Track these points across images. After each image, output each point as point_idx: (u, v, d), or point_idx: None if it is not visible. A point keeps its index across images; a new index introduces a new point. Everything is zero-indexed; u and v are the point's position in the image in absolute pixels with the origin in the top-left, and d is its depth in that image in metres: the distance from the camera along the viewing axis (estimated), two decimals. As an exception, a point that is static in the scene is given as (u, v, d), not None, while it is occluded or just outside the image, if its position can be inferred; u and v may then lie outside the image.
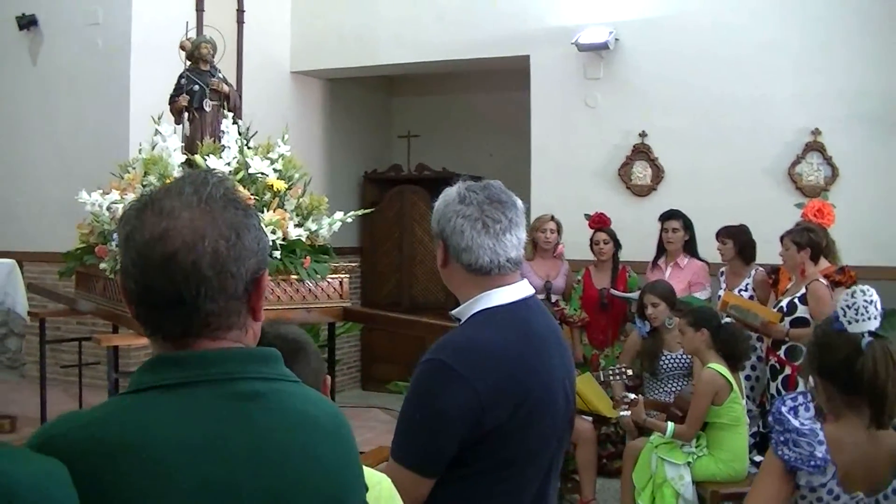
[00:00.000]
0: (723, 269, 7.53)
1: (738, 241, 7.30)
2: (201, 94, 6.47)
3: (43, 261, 8.85)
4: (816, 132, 8.22)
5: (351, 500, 1.62)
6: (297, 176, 6.26)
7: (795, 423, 2.62)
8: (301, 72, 10.66)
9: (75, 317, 8.11)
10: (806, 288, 6.40)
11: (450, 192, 2.56)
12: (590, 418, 6.56)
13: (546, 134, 9.27)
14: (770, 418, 2.78)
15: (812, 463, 2.57)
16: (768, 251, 7.09)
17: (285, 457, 1.49)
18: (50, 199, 8.89)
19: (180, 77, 6.57)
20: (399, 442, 2.44)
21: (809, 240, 6.46)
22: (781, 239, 6.62)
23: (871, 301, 2.35)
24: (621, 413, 6.36)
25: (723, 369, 5.62)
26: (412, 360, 2.45)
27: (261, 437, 1.47)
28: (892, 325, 2.57)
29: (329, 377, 2.48)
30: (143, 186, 5.94)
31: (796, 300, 6.45)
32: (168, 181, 2.04)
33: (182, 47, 6.70)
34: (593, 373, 6.82)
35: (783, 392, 6.36)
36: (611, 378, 6.71)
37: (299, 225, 6.01)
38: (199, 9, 6.83)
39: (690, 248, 7.74)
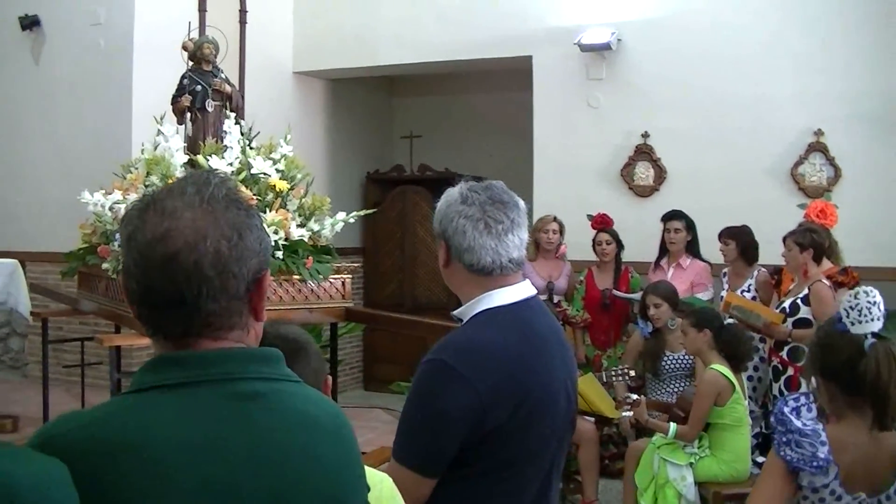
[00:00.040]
0: (725, 269, 7.52)
1: (741, 241, 7.29)
2: (203, 95, 6.47)
3: (45, 261, 8.86)
4: (819, 133, 8.21)
5: (352, 501, 1.61)
6: (299, 176, 6.26)
7: (798, 423, 2.61)
8: (303, 72, 10.66)
9: (78, 317, 8.12)
10: (808, 289, 6.39)
11: (452, 193, 2.57)
12: (592, 419, 6.56)
13: (548, 134, 9.27)
14: (772, 419, 2.78)
15: (814, 463, 2.57)
16: (771, 252, 7.08)
17: (286, 457, 1.49)
18: (52, 200, 8.90)
19: (182, 77, 6.57)
20: (400, 442, 2.44)
21: (812, 240, 6.45)
22: (784, 240, 6.61)
23: (875, 302, 2.35)
24: (623, 414, 6.36)
25: (725, 370, 5.62)
26: (414, 360, 2.45)
27: (261, 438, 1.47)
28: (895, 326, 2.56)
29: (330, 377, 2.47)
30: (146, 187, 5.94)
31: (799, 301, 6.44)
32: (170, 181, 2.04)
33: (184, 48, 6.69)
34: (595, 373, 6.81)
35: (785, 393, 6.35)
36: (613, 379, 6.70)
37: (301, 225, 6.01)
38: (202, 9, 6.83)
39: (693, 248, 7.74)
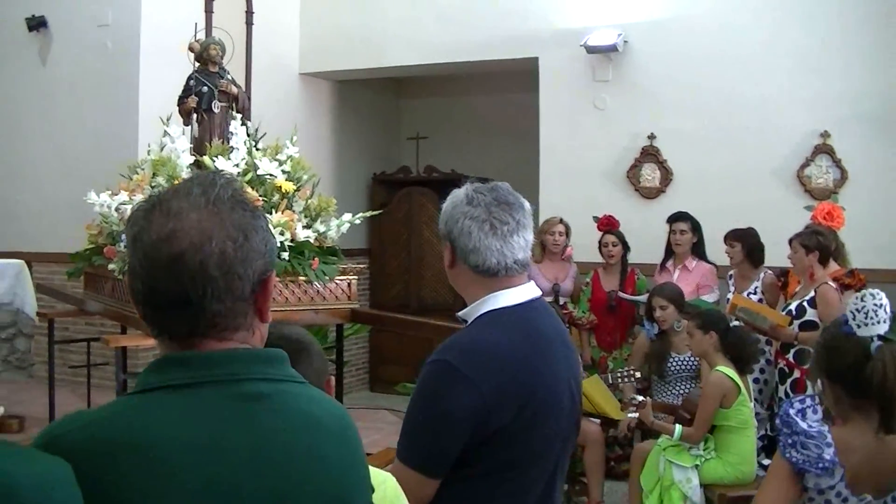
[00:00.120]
0: (731, 272, 7.51)
1: (747, 244, 7.28)
2: (210, 96, 6.47)
3: (52, 261, 8.88)
4: (825, 134, 8.20)
5: (356, 502, 1.61)
6: (305, 177, 6.26)
7: (803, 425, 2.61)
8: (309, 73, 10.67)
9: (84, 317, 8.14)
10: (815, 291, 6.38)
11: (457, 194, 2.57)
12: (598, 420, 6.56)
13: (554, 136, 9.26)
14: (778, 421, 2.77)
15: (820, 465, 2.57)
16: (777, 254, 7.07)
17: (289, 458, 1.49)
18: (59, 200, 8.91)
19: (189, 78, 6.58)
20: (404, 442, 2.44)
21: (818, 243, 6.44)
22: (790, 242, 6.60)
23: (881, 305, 2.34)
24: (628, 415, 6.35)
25: (731, 372, 5.61)
26: (420, 361, 2.46)
27: (265, 438, 1.47)
28: (901, 328, 2.55)
29: (333, 378, 2.47)
30: (152, 188, 5.96)
31: (805, 303, 6.43)
32: (176, 182, 2.04)
33: (191, 49, 6.70)
34: (601, 375, 6.81)
35: (792, 395, 6.34)
36: (619, 380, 6.69)
37: (307, 226, 6.01)
38: (208, 10, 6.84)
39: (698, 250, 7.73)
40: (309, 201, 6.17)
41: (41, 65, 9.52)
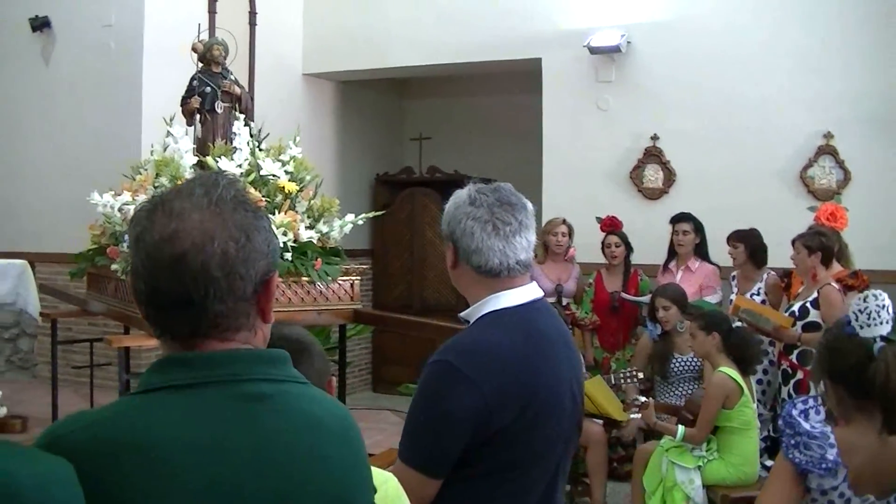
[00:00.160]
0: (734, 273, 7.51)
1: (749, 244, 7.27)
2: (213, 96, 6.48)
3: (55, 262, 8.88)
4: (829, 135, 8.19)
5: (358, 502, 1.62)
6: (308, 178, 6.27)
7: (806, 426, 2.61)
8: (313, 74, 10.67)
9: (87, 318, 8.14)
10: (818, 292, 6.38)
11: (460, 195, 2.57)
12: (600, 421, 6.55)
13: (558, 137, 9.26)
14: (780, 422, 2.77)
15: (823, 466, 2.56)
16: (780, 255, 7.05)
17: (291, 458, 1.49)
18: (62, 201, 8.91)
19: (192, 79, 6.59)
20: (406, 442, 2.45)
21: (821, 244, 6.43)
22: (793, 243, 6.59)
23: (884, 306, 2.34)
24: (631, 416, 6.35)
25: (733, 373, 5.61)
26: (423, 362, 2.46)
27: (267, 439, 1.47)
28: (904, 329, 2.55)
29: (334, 378, 2.47)
30: (155, 188, 5.96)
31: (808, 304, 6.43)
32: (179, 183, 2.05)
33: (194, 49, 6.71)
34: (604, 376, 6.81)
35: (795, 396, 6.33)
36: (622, 381, 6.69)
37: (310, 227, 6.02)
38: (212, 11, 6.85)
39: (701, 251, 7.73)
40: (312, 202, 6.18)
41: (44, 65, 9.53)
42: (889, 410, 2.32)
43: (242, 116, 6.42)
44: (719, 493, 5.60)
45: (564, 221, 7.92)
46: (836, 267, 6.53)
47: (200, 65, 6.65)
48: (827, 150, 8.21)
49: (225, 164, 5.88)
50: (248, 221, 1.54)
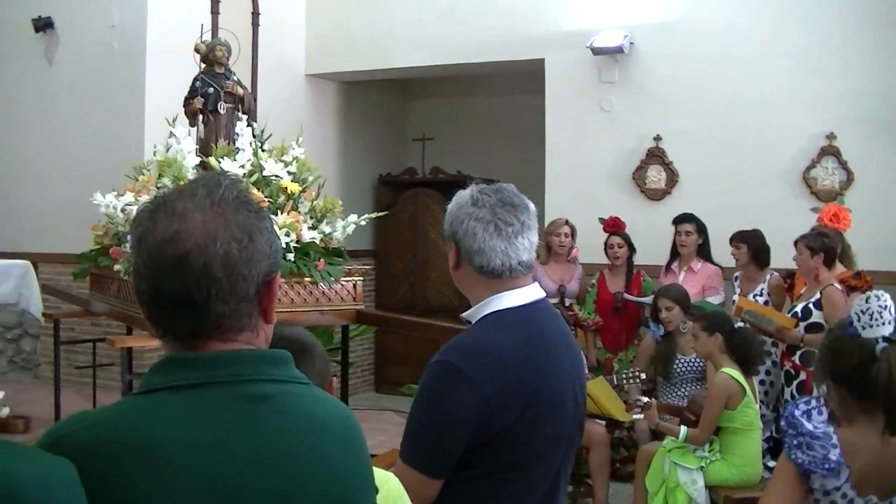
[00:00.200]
0: (737, 273, 7.50)
1: (752, 245, 7.27)
2: (216, 97, 6.47)
3: (57, 262, 8.89)
4: (831, 136, 8.19)
5: (360, 503, 1.62)
6: (311, 178, 6.26)
7: (809, 426, 2.61)
8: (316, 74, 10.68)
9: (89, 318, 8.15)
10: (821, 293, 6.37)
11: (462, 195, 2.57)
12: (603, 422, 6.55)
13: (560, 137, 9.26)
14: (783, 422, 2.77)
15: (826, 466, 2.56)
16: (783, 255, 7.05)
17: (293, 459, 1.49)
18: (65, 201, 8.91)
19: (195, 80, 6.58)
20: (407, 443, 2.45)
21: (823, 244, 6.43)
22: (795, 243, 6.59)
23: (886, 306, 2.34)
24: (634, 416, 6.35)
25: (736, 374, 5.61)
26: (426, 363, 2.46)
27: (269, 439, 1.47)
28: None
29: (335, 379, 2.47)
30: (158, 188, 5.96)
31: (811, 305, 6.42)
32: (182, 183, 2.05)
33: (197, 50, 6.70)
34: (607, 376, 6.81)
35: (798, 397, 6.33)
36: (624, 382, 6.69)
37: (313, 227, 6.01)
38: (214, 11, 6.84)
39: (704, 252, 7.73)
40: (315, 202, 6.17)
41: (47, 65, 9.54)
42: (891, 411, 2.32)
43: (245, 117, 6.41)
44: (722, 493, 5.60)
45: (567, 222, 7.92)
46: (839, 268, 6.53)
47: (203, 65, 6.64)
48: (830, 150, 8.21)
49: (228, 165, 5.88)
50: (251, 222, 1.54)
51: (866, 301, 2.38)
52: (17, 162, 9.74)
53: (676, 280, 7.55)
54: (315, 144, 8.77)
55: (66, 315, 7.89)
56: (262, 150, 6.23)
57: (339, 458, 1.56)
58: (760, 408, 6.26)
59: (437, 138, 11.91)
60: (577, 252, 7.99)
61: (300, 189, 6.07)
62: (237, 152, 6.11)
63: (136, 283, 1.54)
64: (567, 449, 2.59)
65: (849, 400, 2.31)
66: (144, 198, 5.91)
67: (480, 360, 2.38)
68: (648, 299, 7.40)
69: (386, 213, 8.70)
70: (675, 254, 7.82)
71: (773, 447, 6.61)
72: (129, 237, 5.61)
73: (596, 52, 8.85)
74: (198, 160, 6.11)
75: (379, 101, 12.07)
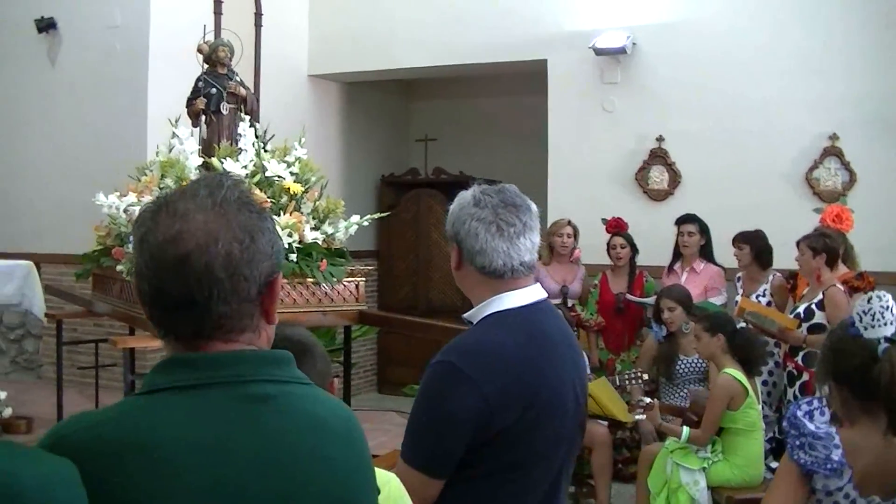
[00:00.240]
0: (739, 274, 7.50)
1: (755, 246, 7.26)
2: (218, 98, 6.48)
3: (60, 262, 8.90)
4: (834, 137, 8.19)
5: (361, 503, 1.62)
6: (313, 179, 6.27)
7: (811, 427, 2.61)
8: (318, 75, 10.68)
9: (92, 318, 8.15)
10: (823, 294, 6.37)
11: (464, 196, 2.57)
12: (605, 423, 6.55)
13: (563, 138, 9.26)
14: (785, 423, 2.77)
15: (828, 466, 2.56)
16: (785, 256, 7.06)
17: (295, 459, 1.49)
18: (68, 202, 8.92)
19: (198, 80, 6.59)
20: (408, 443, 2.45)
21: (825, 245, 6.43)
22: (798, 244, 6.59)
23: (888, 307, 2.34)
24: (636, 417, 6.35)
25: (738, 374, 5.60)
26: (428, 363, 2.46)
27: (271, 440, 1.47)
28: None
29: (336, 380, 2.47)
30: (160, 189, 5.96)
31: (813, 306, 6.42)
32: (184, 184, 2.05)
33: (199, 50, 6.71)
34: (609, 377, 6.81)
35: (800, 398, 6.33)
36: (626, 382, 6.69)
37: (315, 228, 6.01)
38: (217, 12, 6.85)
39: (706, 252, 7.72)
40: (317, 203, 6.17)
41: (50, 66, 9.55)
42: (894, 411, 2.31)
43: (248, 117, 6.41)
44: (724, 494, 5.60)
45: (570, 223, 7.93)
46: (842, 268, 6.53)
47: (206, 66, 6.65)
48: (832, 151, 8.20)
49: (230, 166, 5.88)
50: (253, 222, 1.54)
51: (868, 301, 2.38)
52: (18, 162, 9.75)
53: (679, 281, 7.55)
54: (317, 145, 8.77)
55: (69, 315, 7.90)
56: (265, 151, 6.24)
57: (340, 459, 1.56)
58: (763, 408, 6.25)
59: (440, 139, 11.90)
60: (580, 253, 8.00)
61: (303, 190, 6.07)
62: (240, 153, 6.11)
63: (138, 284, 1.54)
64: (568, 449, 2.59)
65: (851, 400, 2.31)
66: (147, 198, 5.92)
67: (481, 360, 2.38)
68: (651, 300, 7.40)
69: (388, 213, 8.70)
70: (677, 254, 7.81)
71: (776, 448, 6.60)
72: (131, 238, 5.62)
73: (598, 52, 8.85)
74: (200, 161, 6.11)
75: (381, 102, 12.07)
